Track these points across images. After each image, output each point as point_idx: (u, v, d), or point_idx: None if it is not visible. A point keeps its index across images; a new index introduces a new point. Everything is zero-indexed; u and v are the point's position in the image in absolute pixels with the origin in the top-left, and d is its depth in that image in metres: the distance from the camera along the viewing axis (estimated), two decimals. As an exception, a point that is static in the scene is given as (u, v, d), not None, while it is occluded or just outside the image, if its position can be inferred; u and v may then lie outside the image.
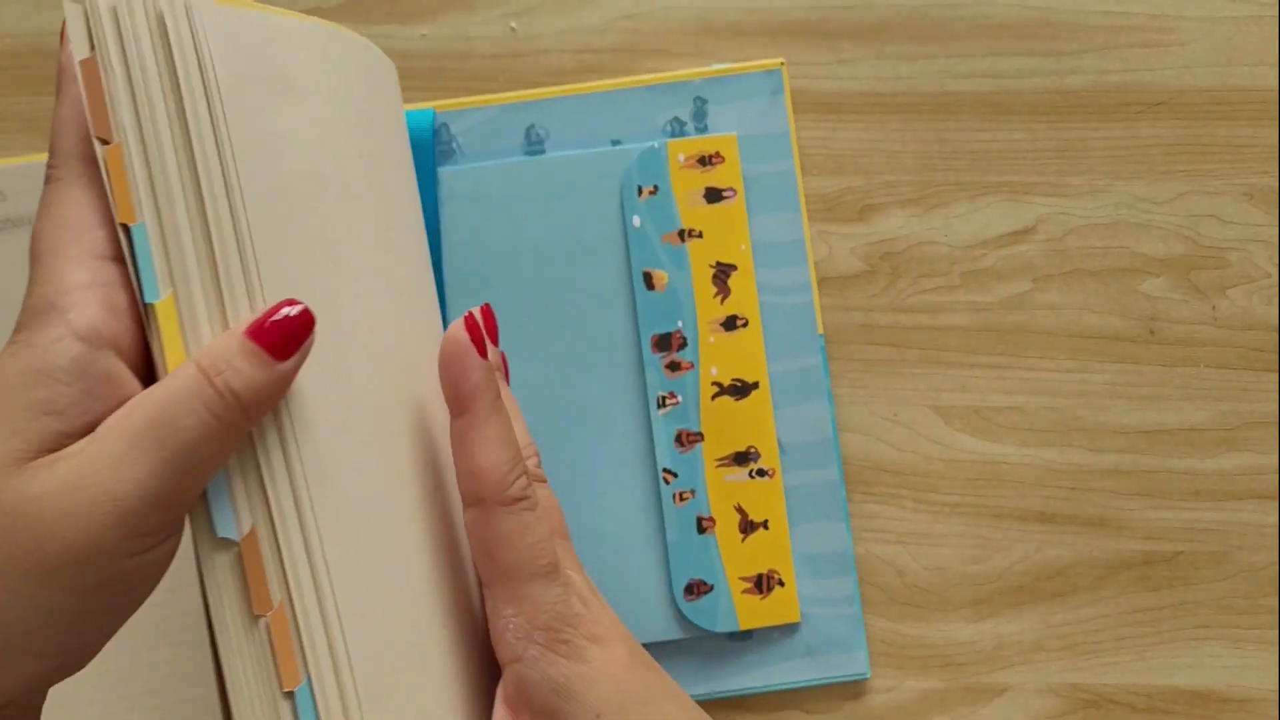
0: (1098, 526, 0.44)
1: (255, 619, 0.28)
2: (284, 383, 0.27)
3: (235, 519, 0.28)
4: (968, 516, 0.44)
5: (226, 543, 0.28)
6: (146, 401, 0.26)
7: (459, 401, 0.30)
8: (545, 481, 0.34)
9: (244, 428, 0.27)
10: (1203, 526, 0.44)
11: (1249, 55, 0.45)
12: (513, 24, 0.44)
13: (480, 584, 0.32)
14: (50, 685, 0.28)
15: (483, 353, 0.30)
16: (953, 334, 0.44)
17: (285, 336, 0.27)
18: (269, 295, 0.28)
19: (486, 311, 0.33)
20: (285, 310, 0.27)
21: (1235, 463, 0.44)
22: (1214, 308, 0.45)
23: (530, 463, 0.33)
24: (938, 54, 0.45)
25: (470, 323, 0.30)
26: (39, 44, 0.42)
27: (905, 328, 0.44)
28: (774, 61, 0.44)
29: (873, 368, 0.44)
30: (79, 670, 0.29)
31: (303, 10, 0.43)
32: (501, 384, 0.34)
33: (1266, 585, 0.44)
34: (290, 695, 0.28)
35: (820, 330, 0.44)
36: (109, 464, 0.25)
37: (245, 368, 0.27)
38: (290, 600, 0.28)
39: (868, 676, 0.43)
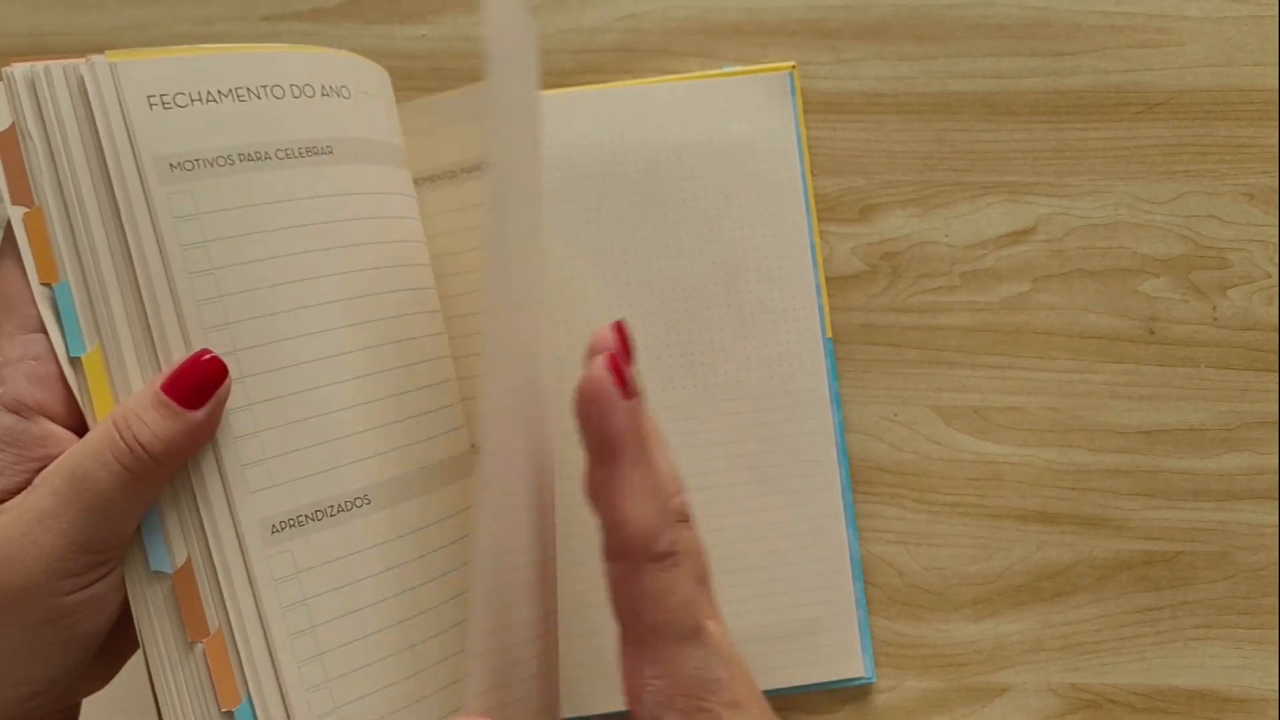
0: (1098, 526, 0.44)
1: (190, 645, 0.29)
2: (197, 431, 0.29)
3: (169, 552, 0.29)
4: (968, 516, 0.44)
5: (160, 575, 0.29)
6: (69, 457, 0.28)
7: (602, 449, 0.28)
8: (689, 521, 0.31)
9: (159, 476, 0.28)
10: (1203, 526, 0.44)
11: (1249, 55, 0.45)
12: (513, 24, 0.44)
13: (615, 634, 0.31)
14: (35, 710, 0.30)
15: (625, 392, 0.28)
16: (953, 334, 0.44)
17: (194, 387, 0.28)
18: (199, 344, 0.29)
19: (620, 330, 0.30)
20: (195, 360, 0.29)
21: (1235, 463, 0.44)
22: (1214, 308, 0.45)
23: (675, 501, 0.30)
24: (938, 54, 0.45)
25: (612, 360, 0.28)
26: (39, 44, 0.42)
27: (905, 328, 0.44)
28: (785, 65, 0.44)
29: (873, 368, 0.44)
30: (76, 696, 0.32)
31: (304, 10, 0.43)
32: (645, 417, 0.30)
33: (1266, 585, 0.44)
34: (229, 715, 0.29)
35: (829, 334, 0.44)
36: (37, 516, 0.27)
37: (154, 419, 0.28)
38: (229, 625, 0.29)
39: (873, 681, 0.43)
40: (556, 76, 0.44)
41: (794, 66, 0.44)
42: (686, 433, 0.43)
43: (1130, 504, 0.44)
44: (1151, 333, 0.45)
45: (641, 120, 0.43)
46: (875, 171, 0.45)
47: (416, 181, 0.37)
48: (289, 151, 0.31)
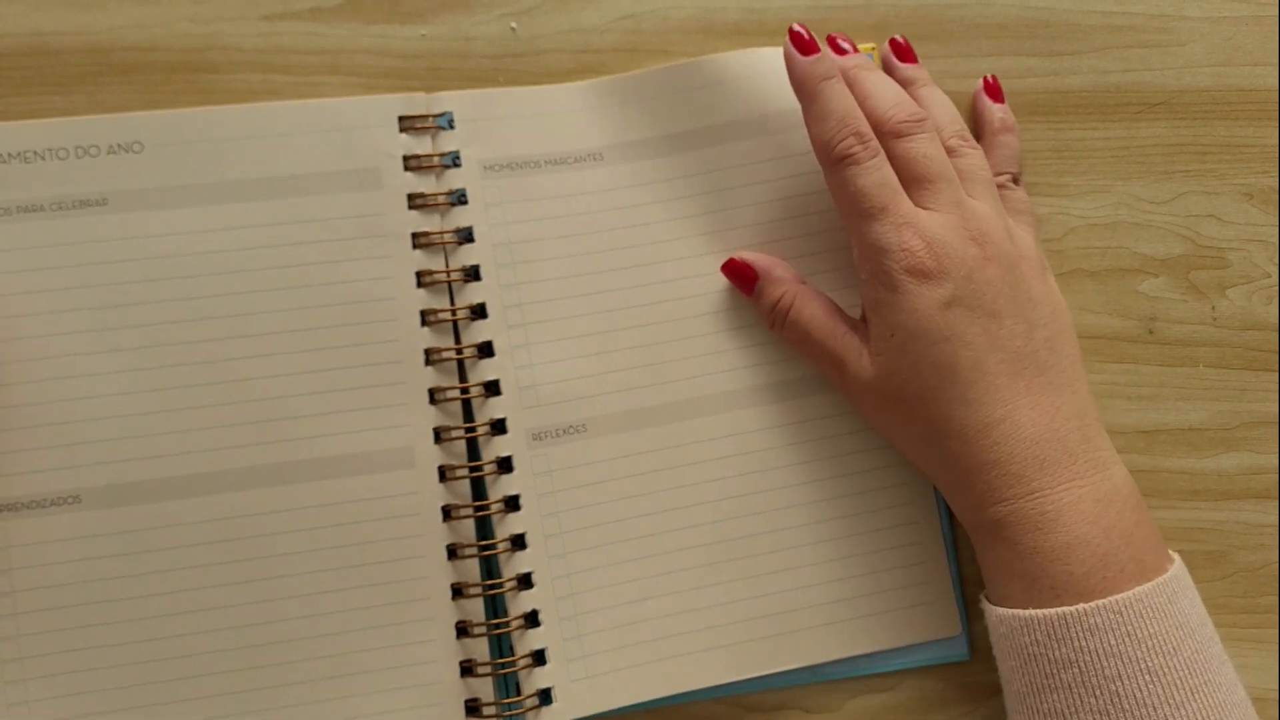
0: (1097, 526, 0.44)
1: None
2: None
3: None
4: (967, 516, 0.44)
5: None
6: None
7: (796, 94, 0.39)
8: (866, 140, 0.38)
9: None
10: (1201, 526, 0.44)
11: (1249, 55, 0.45)
12: (513, 24, 0.44)
13: None
14: None
15: (804, 50, 0.38)
16: (952, 334, 0.44)
17: None
18: None
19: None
20: None
21: (1234, 463, 0.44)
22: (1213, 308, 0.45)
23: (851, 127, 0.38)
24: (938, 54, 0.45)
25: (794, 36, 0.39)
26: (39, 44, 0.42)
27: (905, 327, 0.44)
28: (866, 46, 0.44)
29: (872, 367, 0.44)
30: None
31: (304, 10, 0.43)
32: (824, 68, 0.39)
33: (1265, 585, 0.44)
34: None
35: None
36: None
37: None
38: None
39: (967, 658, 0.43)
40: (556, 77, 0.44)
41: (873, 48, 0.44)
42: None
43: (1129, 503, 0.44)
44: (1151, 332, 0.45)
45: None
46: (875, 171, 0.45)
47: (499, 167, 0.42)
48: (61, 204, 0.39)
